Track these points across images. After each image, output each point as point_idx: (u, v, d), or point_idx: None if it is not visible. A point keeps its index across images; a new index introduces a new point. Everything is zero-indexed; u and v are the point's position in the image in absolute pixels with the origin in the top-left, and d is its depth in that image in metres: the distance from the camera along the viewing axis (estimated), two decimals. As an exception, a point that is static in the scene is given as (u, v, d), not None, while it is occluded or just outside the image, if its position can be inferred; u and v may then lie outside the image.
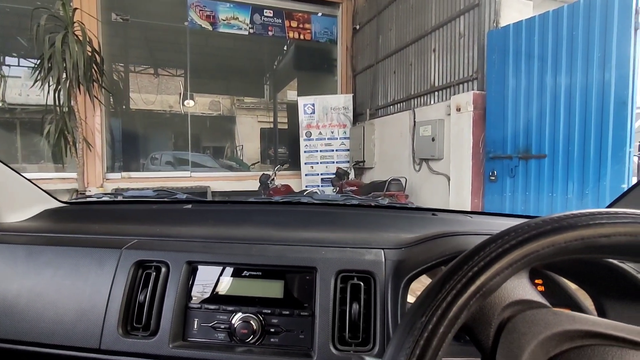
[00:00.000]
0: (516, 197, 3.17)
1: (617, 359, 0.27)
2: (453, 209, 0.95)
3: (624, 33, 2.47)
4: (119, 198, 1.12)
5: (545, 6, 3.69)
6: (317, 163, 5.85)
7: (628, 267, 0.51)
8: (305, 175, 5.87)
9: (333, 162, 5.75)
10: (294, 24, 6.14)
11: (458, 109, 3.53)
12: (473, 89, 3.56)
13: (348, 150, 5.80)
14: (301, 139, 5.84)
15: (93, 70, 4.53)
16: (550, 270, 0.59)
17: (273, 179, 4.83)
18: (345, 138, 5.82)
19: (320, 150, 5.85)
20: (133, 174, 5.72)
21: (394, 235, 0.73)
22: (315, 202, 1.03)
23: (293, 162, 6.59)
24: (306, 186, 5.74)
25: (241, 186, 5.85)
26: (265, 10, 6.00)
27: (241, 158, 11.28)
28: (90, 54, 4.45)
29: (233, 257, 0.66)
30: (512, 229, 0.31)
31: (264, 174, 4.96)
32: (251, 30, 5.97)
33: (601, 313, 0.55)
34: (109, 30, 5.62)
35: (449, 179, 3.73)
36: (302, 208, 0.99)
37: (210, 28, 5.80)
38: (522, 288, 0.34)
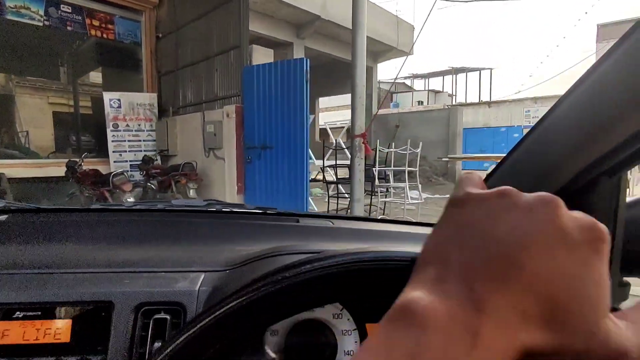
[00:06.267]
0: (262, 174, 5.19)
1: None
2: (318, 213, 0.91)
3: (302, 82, 4.70)
4: None
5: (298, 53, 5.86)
6: (126, 151, 6.66)
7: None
8: (115, 162, 6.58)
9: (141, 151, 6.68)
10: (95, 22, 6.59)
11: (227, 115, 5.30)
12: (237, 103, 5.39)
13: (155, 140, 6.86)
14: (108, 130, 6.50)
15: None
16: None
17: (80, 165, 5.52)
18: (151, 130, 6.84)
19: (128, 140, 6.67)
20: None
21: (233, 251, 0.64)
22: (172, 209, 0.94)
23: (100, 149, 7.07)
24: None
25: (43, 172, 6.07)
26: (62, 5, 6.21)
27: (27, 146, 9.96)
28: None
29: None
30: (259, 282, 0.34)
31: (70, 160, 5.58)
32: (46, 23, 6.12)
33: None
34: None
35: (225, 162, 5.50)
36: (146, 217, 0.86)
37: (-5, 14, 5.70)
38: None
